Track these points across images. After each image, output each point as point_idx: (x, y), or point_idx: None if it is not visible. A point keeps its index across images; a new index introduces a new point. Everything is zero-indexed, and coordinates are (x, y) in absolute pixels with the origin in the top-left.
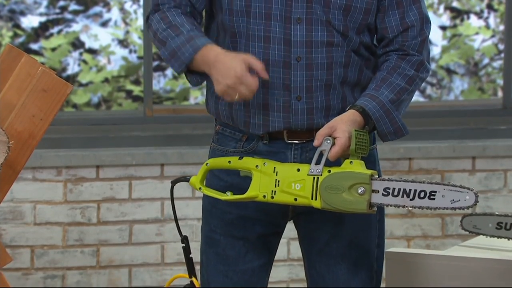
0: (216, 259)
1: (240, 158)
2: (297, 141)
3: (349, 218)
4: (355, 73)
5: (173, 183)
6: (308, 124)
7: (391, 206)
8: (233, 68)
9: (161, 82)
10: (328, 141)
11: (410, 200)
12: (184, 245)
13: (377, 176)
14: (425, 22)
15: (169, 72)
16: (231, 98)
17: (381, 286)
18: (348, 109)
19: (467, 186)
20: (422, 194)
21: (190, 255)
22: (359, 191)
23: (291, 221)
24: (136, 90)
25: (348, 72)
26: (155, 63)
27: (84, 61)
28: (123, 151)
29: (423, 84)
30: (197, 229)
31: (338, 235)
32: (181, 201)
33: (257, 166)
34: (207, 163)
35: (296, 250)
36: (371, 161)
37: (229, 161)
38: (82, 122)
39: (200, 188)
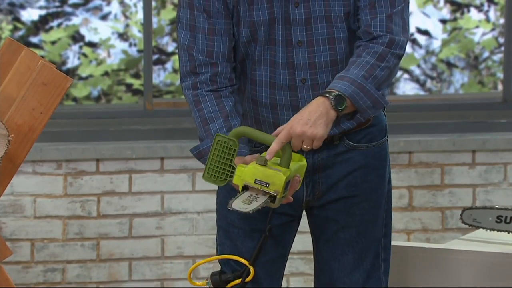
0: (235, 251)
1: None
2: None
3: (360, 209)
4: None
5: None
6: None
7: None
8: None
9: (161, 75)
10: None
11: None
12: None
13: None
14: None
15: (169, 65)
16: None
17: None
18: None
19: None
20: None
21: None
22: None
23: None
24: (136, 83)
25: None
26: (155, 57)
27: (84, 55)
28: (123, 144)
29: (423, 77)
30: (198, 223)
31: (348, 225)
32: (181, 195)
33: None
34: None
35: (296, 244)
36: (382, 154)
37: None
38: (82, 115)
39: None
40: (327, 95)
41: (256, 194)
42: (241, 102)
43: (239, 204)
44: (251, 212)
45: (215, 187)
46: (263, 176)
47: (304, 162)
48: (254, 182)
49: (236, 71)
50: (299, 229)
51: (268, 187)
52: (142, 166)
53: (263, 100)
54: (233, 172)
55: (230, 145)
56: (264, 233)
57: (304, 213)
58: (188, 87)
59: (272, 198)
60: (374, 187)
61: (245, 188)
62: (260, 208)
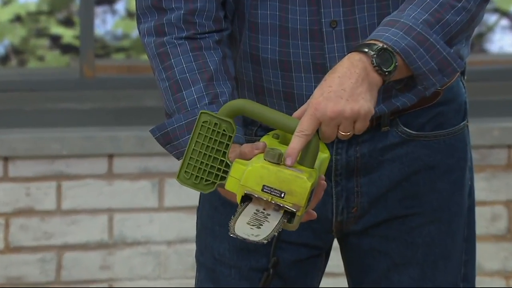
0: None
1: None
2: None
3: (424, 236)
4: None
5: None
6: None
7: None
8: None
9: (108, 22)
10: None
11: None
12: None
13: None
14: None
15: (121, 6)
16: None
17: None
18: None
19: None
20: None
21: None
22: None
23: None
24: (68, 35)
25: None
26: None
27: None
28: (48, 133)
29: None
30: (168, 260)
31: (405, 262)
32: (142, 214)
33: None
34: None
35: None
36: (458, 149)
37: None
38: None
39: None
40: (366, 49)
41: (264, 209)
42: (234, 59)
43: (245, 228)
44: (265, 242)
45: (195, 201)
46: (276, 181)
47: (327, 153)
48: (262, 190)
49: (227, 9)
50: (327, 269)
51: (283, 198)
52: (79, 169)
53: (270, 55)
54: (225, 172)
55: (223, 130)
56: (267, 272)
57: (334, 242)
58: (148, 32)
59: (290, 215)
60: (446, 201)
61: (247, 198)
62: (276, 233)
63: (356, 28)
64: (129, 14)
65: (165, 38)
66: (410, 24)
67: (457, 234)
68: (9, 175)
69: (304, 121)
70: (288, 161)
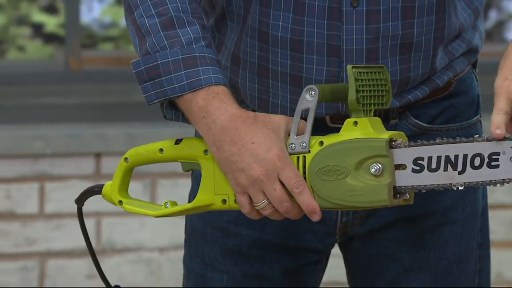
0: None
1: (178, 141)
2: None
3: (436, 239)
4: (456, 15)
5: (79, 202)
6: None
7: (429, 188)
8: (269, 149)
9: (95, 9)
10: (313, 92)
11: (459, 173)
12: None
13: (401, 141)
14: None
15: None
16: (253, 212)
17: None
18: None
19: None
20: (477, 161)
21: None
22: (373, 170)
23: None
24: (51, 23)
25: (444, 17)
26: None
27: None
28: (30, 131)
29: None
30: (160, 268)
31: (417, 267)
32: (133, 218)
33: (206, 151)
34: (126, 158)
35: None
36: None
37: (161, 149)
38: None
39: (120, 203)
40: None
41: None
42: (238, 36)
43: None
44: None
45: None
46: None
47: None
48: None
49: None
50: (328, 278)
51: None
52: (63, 169)
53: (280, 33)
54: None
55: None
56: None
57: (335, 247)
58: None
59: None
60: (459, 201)
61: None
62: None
63: (379, 10)
64: (118, 1)
65: None
66: None
67: (471, 238)
68: None
69: (500, 101)
70: (499, 131)
